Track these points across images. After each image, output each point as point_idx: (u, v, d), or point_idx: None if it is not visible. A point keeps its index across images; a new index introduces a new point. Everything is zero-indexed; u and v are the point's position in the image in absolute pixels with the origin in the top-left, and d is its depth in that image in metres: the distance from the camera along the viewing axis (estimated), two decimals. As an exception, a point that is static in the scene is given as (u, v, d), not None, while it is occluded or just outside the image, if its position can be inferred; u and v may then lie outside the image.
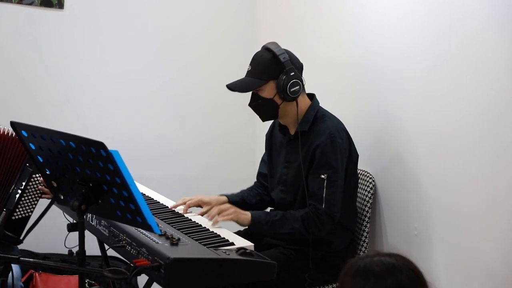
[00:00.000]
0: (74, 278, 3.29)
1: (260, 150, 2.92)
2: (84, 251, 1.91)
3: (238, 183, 2.88)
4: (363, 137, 2.83)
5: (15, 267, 2.66)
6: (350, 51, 3.01)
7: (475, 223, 2.28)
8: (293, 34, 3.49)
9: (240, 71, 2.64)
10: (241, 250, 1.98)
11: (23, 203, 2.64)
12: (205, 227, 2.26)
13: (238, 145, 3.95)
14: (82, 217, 1.90)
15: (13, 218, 2.63)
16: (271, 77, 2.52)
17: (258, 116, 2.65)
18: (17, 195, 2.62)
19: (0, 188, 2.62)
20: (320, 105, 2.65)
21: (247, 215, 2.49)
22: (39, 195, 2.68)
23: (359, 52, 2.93)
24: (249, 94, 2.59)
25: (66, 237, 2.25)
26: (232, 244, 2.08)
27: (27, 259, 2.63)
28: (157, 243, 1.93)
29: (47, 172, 2.06)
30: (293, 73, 2.50)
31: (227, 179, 3.73)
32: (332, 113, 2.64)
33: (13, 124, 1.98)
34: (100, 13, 3.64)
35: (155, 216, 2.30)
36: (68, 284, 3.30)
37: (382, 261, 1.38)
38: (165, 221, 2.31)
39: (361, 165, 2.72)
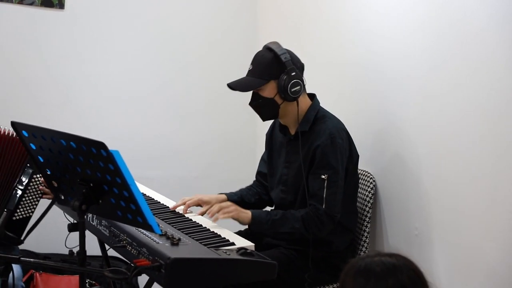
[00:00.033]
0: (75, 278, 3.29)
1: (260, 150, 2.92)
2: (85, 251, 1.91)
3: (238, 183, 2.88)
4: (363, 137, 2.83)
5: (16, 267, 2.67)
6: (350, 51, 3.01)
7: (475, 223, 2.28)
8: (293, 34, 3.49)
9: (240, 71, 2.64)
10: (242, 250, 1.98)
11: (24, 204, 2.64)
12: (205, 227, 2.26)
13: (239, 145, 3.96)
14: (83, 217, 1.90)
15: (14, 218, 2.63)
16: (272, 76, 2.52)
17: (258, 116, 2.65)
18: (18, 196, 2.62)
19: (1, 188, 2.63)
20: (321, 105, 2.65)
21: (247, 213, 2.49)
22: (40, 195, 2.68)
23: (360, 52, 2.93)
24: (250, 93, 2.59)
25: (67, 237, 2.25)
26: (233, 244, 2.08)
27: (27, 259, 2.63)
28: (158, 243, 1.93)
29: (48, 172, 2.06)
30: (294, 73, 2.50)
31: (227, 179, 3.73)
32: (333, 113, 2.64)
33: (13, 124, 1.98)
34: (100, 13, 3.65)
35: (156, 216, 2.30)
36: (69, 284, 3.30)
37: (383, 261, 1.39)
38: (165, 221, 2.31)
39: (361, 165, 2.72)
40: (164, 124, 3.82)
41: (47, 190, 2.62)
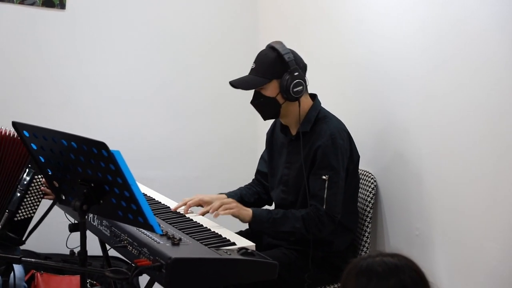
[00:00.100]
0: (76, 278, 3.30)
1: (261, 150, 2.92)
2: (86, 251, 1.91)
3: (239, 183, 2.88)
4: (364, 137, 2.83)
5: (18, 268, 2.66)
6: (351, 51, 3.01)
7: (476, 223, 2.28)
8: (294, 34, 3.49)
9: (241, 71, 2.64)
10: (243, 250, 1.98)
11: (26, 205, 2.64)
12: (206, 227, 2.26)
13: (239, 145, 3.95)
14: (84, 217, 1.90)
15: (16, 219, 2.62)
16: (275, 76, 2.52)
17: (259, 116, 2.65)
18: (19, 196, 2.62)
19: (2, 189, 2.62)
20: (322, 105, 2.65)
21: (248, 211, 2.49)
22: (42, 196, 2.67)
23: (361, 52, 2.93)
24: (251, 93, 2.59)
25: (68, 237, 2.25)
26: (234, 244, 2.08)
27: (28, 259, 2.63)
28: (159, 243, 1.93)
29: (49, 173, 2.06)
30: (297, 73, 2.50)
31: (228, 179, 3.72)
32: (334, 113, 2.64)
33: (14, 124, 1.98)
34: (101, 14, 3.65)
35: (157, 216, 2.30)
36: (70, 284, 3.30)
37: (384, 261, 1.39)
38: (166, 221, 2.31)
39: (362, 165, 2.72)
40: (164, 124, 3.82)
41: (48, 190, 2.62)
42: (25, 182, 2.62)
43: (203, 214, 2.48)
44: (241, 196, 2.75)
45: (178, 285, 1.80)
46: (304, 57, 2.62)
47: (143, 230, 2.01)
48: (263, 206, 2.83)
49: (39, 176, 2.63)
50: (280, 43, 2.56)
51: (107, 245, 2.55)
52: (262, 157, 2.87)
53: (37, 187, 2.65)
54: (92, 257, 2.41)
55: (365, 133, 2.86)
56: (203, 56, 3.85)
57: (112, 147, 1.74)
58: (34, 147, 2.01)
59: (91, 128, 3.46)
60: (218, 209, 2.44)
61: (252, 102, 2.60)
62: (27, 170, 2.63)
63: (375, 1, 2.80)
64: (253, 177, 2.90)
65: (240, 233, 2.51)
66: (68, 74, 3.60)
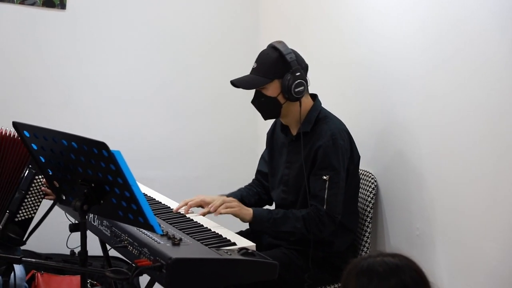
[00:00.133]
0: (76, 278, 3.30)
1: (261, 150, 2.92)
2: (86, 251, 1.91)
3: (239, 183, 2.88)
4: (365, 137, 2.83)
5: (19, 268, 2.66)
6: (352, 51, 3.01)
7: (476, 223, 2.28)
8: (295, 34, 3.49)
9: (242, 71, 2.64)
10: (243, 250, 1.98)
11: (26, 205, 2.63)
12: (207, 227, 2.26)
13: (240, 145, 3.95)
14: (84, 218, 1.90)
15: (16, 220, 2.62)
16: (276, 76, 2.52)
17: (259, 117, 2.65)
18: (20, 197, 2.61)
19: (3, 190, 2.62)
20: (323, 105, 2.65)
21: (249, 210, 2.49)
22: (42, 196, 2.67)
23: (362, 52, 2.93)
24: (251, 93, 2.59)
25: (68, 237, 2.25)
26: (234, 244, 2.08)
27: (29, 259, 2.63)
28: (159, 243, 1.93)
29: (49, 173, 2.06)
30: (298, 73, 2.50)
31: (228, 179, 3.73)
32: (334, 113, 2.64)
33: (15, 124, 1.98)
34: (101, 14, 3.65)
35: (157, 217, 2.30)
36: (70, 284, 3.30)
37: (385, 261, 1.39)
38: (167, 221, 2.31)
39: (363, 166, 2.72)
40: (164, 124, 3.82)
41: (48, 191, 2.62)
42: (26, 183, 2.62)
43: (204, 214, 2.47)
44: (242, 197, 2.74)
45: (178, 285, 1.80)
46: (304, 57, 2.62)
47: (144, 230, 2.01)
48: (263, 206, 2.83)
49: (40, 176, 2.63)
50: (282, 43, 2.56)
51: (107, 245, 2.55)
52: (262, 157, 2.87)
53: (38, 187, 2.64)
54: (92, 257, 2.41)
55: (365, 133, 2.86)
56: (203, 56, 3.85)
57: (112, 147, 1.74)
58: (35, 147, 2.01)
59: (91, 128, 3.46)
60: (220, 207, 2.44)
61: (253, 102, 2.60)
62: (27, 170, 2.62)
63: (376, 1, 2.80)
64: (253, 177, 2.90)
65: (241, 233, 2.51)
66: (68, 74, 3.61)
